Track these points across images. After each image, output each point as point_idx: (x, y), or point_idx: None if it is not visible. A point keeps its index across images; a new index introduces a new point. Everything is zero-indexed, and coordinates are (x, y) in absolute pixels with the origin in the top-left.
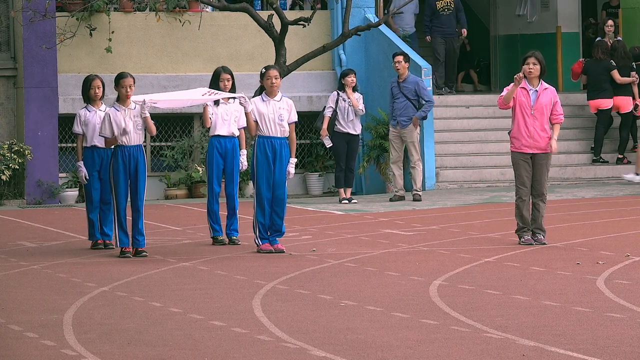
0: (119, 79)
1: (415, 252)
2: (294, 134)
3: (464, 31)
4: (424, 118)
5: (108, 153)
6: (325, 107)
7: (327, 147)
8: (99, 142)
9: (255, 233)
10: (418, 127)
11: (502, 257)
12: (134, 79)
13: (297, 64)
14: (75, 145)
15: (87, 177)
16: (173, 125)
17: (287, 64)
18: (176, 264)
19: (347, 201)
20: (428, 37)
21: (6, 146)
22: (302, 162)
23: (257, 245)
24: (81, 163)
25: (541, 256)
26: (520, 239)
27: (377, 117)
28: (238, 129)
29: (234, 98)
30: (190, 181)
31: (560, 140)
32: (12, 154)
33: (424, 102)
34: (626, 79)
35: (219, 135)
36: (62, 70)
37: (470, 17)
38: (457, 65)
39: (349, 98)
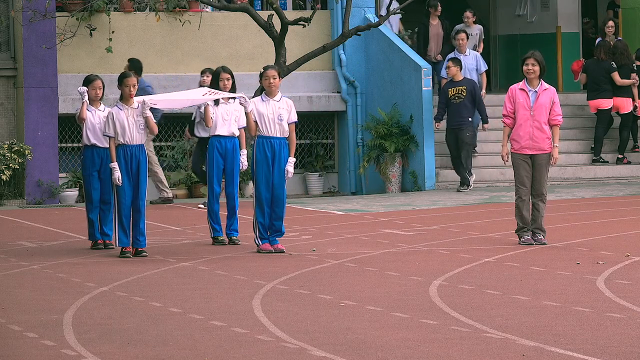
0: (123, 78)
1: (415, 252)
2: (294, 134)
3: (485, 126)
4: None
5: (108, 153)
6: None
7: None
8: (99, 142)
9: (255, 233)
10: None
11: (502, 257)
12: (137, 78)
13: (297, 64)
14: (76, 144)
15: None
16: (173, 125)
17: (287, 64)
18: (176, 264)
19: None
20: (437, 124)
21: (6, 146)
22: (302, 162)
23: (257, 245)
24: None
25: (541, 256)
26: (520, 239)
27: (377, 117)
28: (238, 129)
29: (234, 98)
30: (190, 181)
31: (561, 140)
32: (12, 154)
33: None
34: (626, 81)
35: (219, 135)
36: (62, 70)
37: None
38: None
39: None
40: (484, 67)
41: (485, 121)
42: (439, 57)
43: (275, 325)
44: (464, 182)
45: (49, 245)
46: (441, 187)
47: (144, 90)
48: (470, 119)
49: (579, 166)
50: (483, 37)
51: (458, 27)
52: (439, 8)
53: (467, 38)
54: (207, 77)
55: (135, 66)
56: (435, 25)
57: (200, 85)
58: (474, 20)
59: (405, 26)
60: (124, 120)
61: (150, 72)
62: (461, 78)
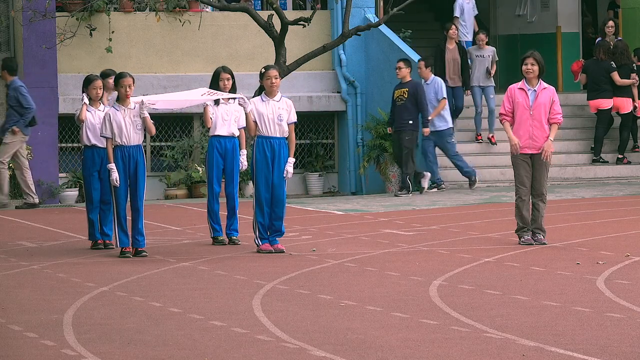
0: (119, 78)
1: (415, 252)
2: (294, 134)
3: (425, 131)
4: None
5: None
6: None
7: None
8: (99, 142)
9: (255, 233)
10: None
11: (502, 257)
12: (133, 78)
13: (297, 64)
14: (76, 144)
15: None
16: (173, 125)
17: (287, 64)
18: (176, 264)
19: None
20: (389, 129)
21: None
22: (302, 162)
23: (257, 246)
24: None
25: (541, 256)
26: (520, 239)
27: (377, 117)
28: (238, 129)
29: (234, 98)
30: (190, 181)
31: (560, 140)
32: None
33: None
34: (626, 81)
35: (219, 135)
36: (62, 70)
37: None
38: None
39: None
40: (441, 94)
41: (424, 125)
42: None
43: (275, 325)
44: (404, 187)
45: (49, 245)
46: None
47: (16, 90)
48: (411, 122)
49: (579, 166)
50: (497, 59)
51: (470, 49)
52: (454, 31)
53: (413, 67)
54: (110, 79)
55: (7, 66)
56: (451, 49)
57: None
58: (487, 41)
59: (405, 26)
60: (121, 121)
61: (150, 72)
62: (409, 80)
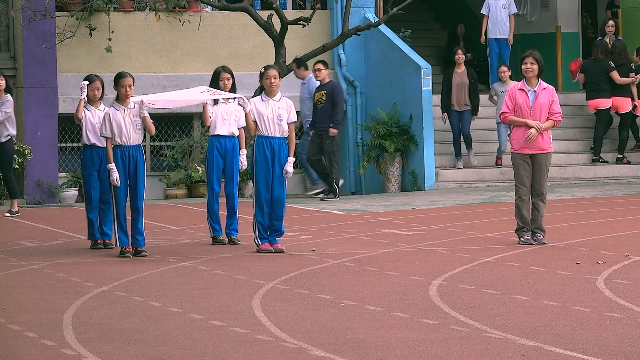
0: (119, 78)
1: (415, 252)
2: (294, 134)
3: (332, 132)
4: None
5: None
6: None
7: None
8: (99, 142)
9: (255, 233)
10: None
11: (502, 257)
12: (133, 78)
13: None
14: (76, 144)
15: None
16: (173, 125)
17: (287, 64)
18: (176, 264)
19: (9, 214)
20: (312, 132)
21: None
22: None
23: (257, 246)
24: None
25: (541, 256)
26: (520, 239)
27: (376, 117)
28: (238, 129)
29: (234, 98)
30: (190, 181)
31: (560, 140)
32: None
33: None
34: (625, 80)
35: (219, 135)
36: (62, 70)
37: (470, 16)
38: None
39: None
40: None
41: (334, 126)
42: (444, 117)
43: (275, 325)
44: (331, 191)
45: (49, 245)
46: (441, 187)
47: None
48: (332, 125)
49: (579, 166)
50: None
51: (495, 85)
52: (460, 56)
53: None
54: (2, 80)
55: None
56: (460, 73)
57: None
58: (510, 75)
59: (405, 26)
60: (121, 121)
61: (150, 72)
62: (328, 81)
